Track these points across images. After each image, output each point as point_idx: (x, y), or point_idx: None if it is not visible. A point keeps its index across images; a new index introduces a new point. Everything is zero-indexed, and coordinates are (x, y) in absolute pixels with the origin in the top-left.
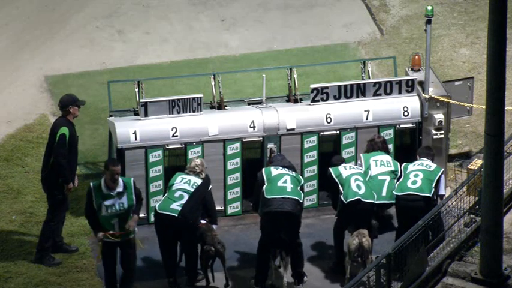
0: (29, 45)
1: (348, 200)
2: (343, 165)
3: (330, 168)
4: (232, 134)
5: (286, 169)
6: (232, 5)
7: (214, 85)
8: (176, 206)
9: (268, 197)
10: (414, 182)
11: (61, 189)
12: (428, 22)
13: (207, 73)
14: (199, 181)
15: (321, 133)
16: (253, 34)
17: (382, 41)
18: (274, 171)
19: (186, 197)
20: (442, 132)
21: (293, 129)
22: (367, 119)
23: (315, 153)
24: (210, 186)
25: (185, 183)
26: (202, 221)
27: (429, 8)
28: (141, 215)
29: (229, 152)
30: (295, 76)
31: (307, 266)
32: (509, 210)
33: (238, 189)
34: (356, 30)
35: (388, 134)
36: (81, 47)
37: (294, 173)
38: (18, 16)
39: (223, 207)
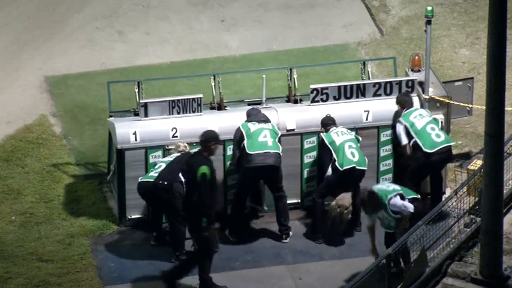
0: (29, 45)
1: (344, 168)
2: (335, 130)
3: (321, 134)
4: (232, 134)
5: (263, 123)
6: (232, 5)
7: (214, 86)
8: (153, 173)
9: (251, 152)
10: (438, 136)
11: None
12: (428, 23)
13: (207, 73)
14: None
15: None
16: (253, 34)
17: (382, 41)
18: (252, 126)
19: (163, 166)
20: None
21: (293, 130)
22: (367, 119)
23: (315, 153)
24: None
25: (167, 157)
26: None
27: (429, 8)
28: (141, 215)
29: (229, 152)
30: (295, 76)
31: (307, 265)
32: (509, 211)
33: None
34: (356, 31)
35: (388, 134)
36: (81, 47)
37: (270, 125)
38: (18, 16)
39: (223, 208)
